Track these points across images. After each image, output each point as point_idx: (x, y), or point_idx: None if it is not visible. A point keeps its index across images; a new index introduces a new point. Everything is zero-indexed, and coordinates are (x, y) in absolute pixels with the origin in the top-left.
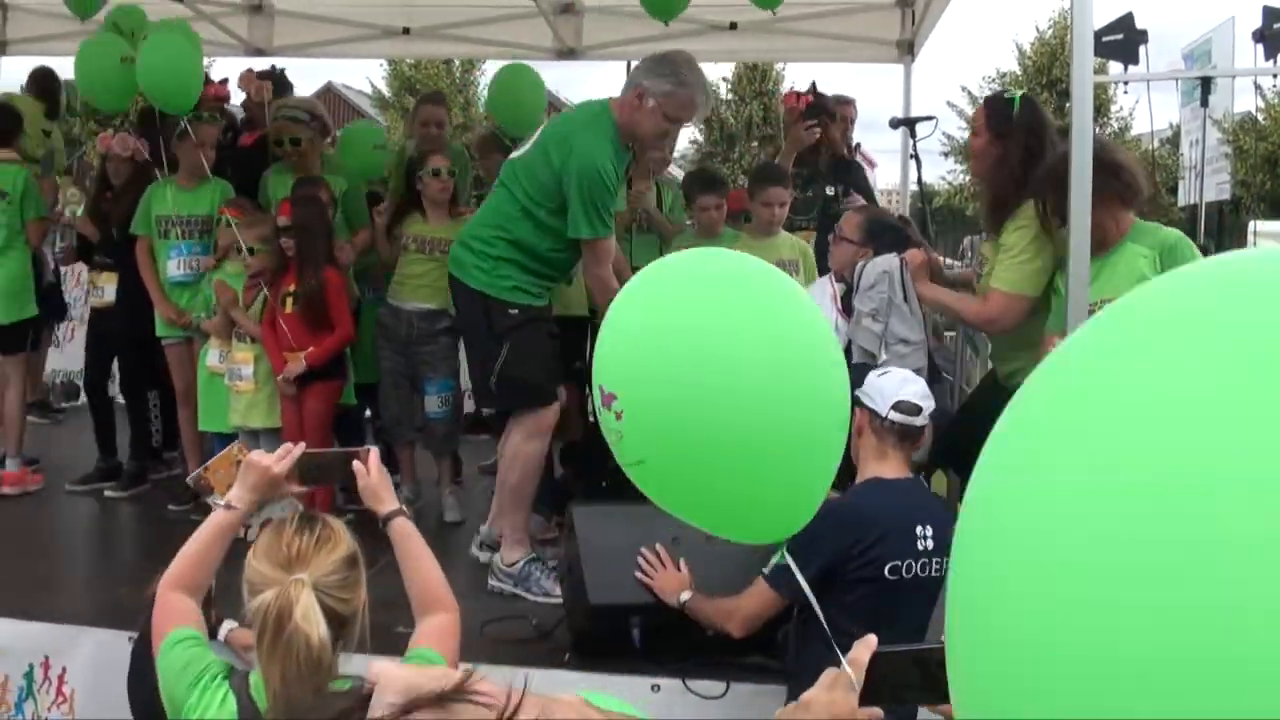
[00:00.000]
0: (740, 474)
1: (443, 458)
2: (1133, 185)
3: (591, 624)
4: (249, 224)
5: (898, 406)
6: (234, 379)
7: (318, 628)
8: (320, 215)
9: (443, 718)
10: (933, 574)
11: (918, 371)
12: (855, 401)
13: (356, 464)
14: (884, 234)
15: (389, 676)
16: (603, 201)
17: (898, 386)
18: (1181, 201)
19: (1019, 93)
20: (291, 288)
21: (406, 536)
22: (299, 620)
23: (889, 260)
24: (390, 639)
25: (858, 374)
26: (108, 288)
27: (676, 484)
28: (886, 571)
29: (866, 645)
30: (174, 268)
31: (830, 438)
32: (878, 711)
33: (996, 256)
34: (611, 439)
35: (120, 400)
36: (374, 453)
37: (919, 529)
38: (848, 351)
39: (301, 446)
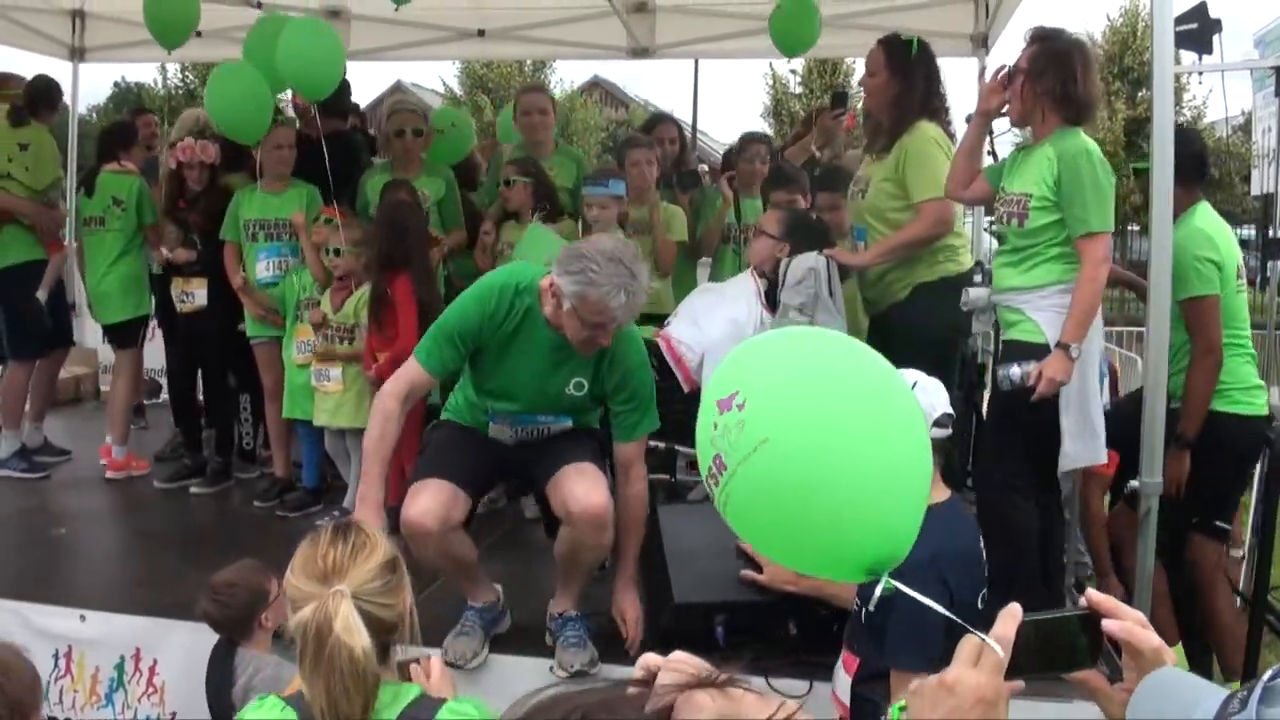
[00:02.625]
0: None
1: None
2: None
3: (676, 622)
4: (345, 226)
5: (940, 422)
6: (322, 380)
7: (360, 639)
8: (406, 218)
9: (725, 704)
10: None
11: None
12: None
13: (415, 670)
14: (803, 231)
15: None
16: None
17: (937, 396)
18: (1255, 190)
19: (914, 37)
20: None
21: None
22: (340, 633)
23: (814, 257)
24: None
25: None
26: (198, 292)
27: (795, 466)
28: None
29: (1012, 617)
30: (262, 269)
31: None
32: (1020, 684)
33: (904, 171)
34: (729, 440)
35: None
36: (436, 660)
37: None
38: None
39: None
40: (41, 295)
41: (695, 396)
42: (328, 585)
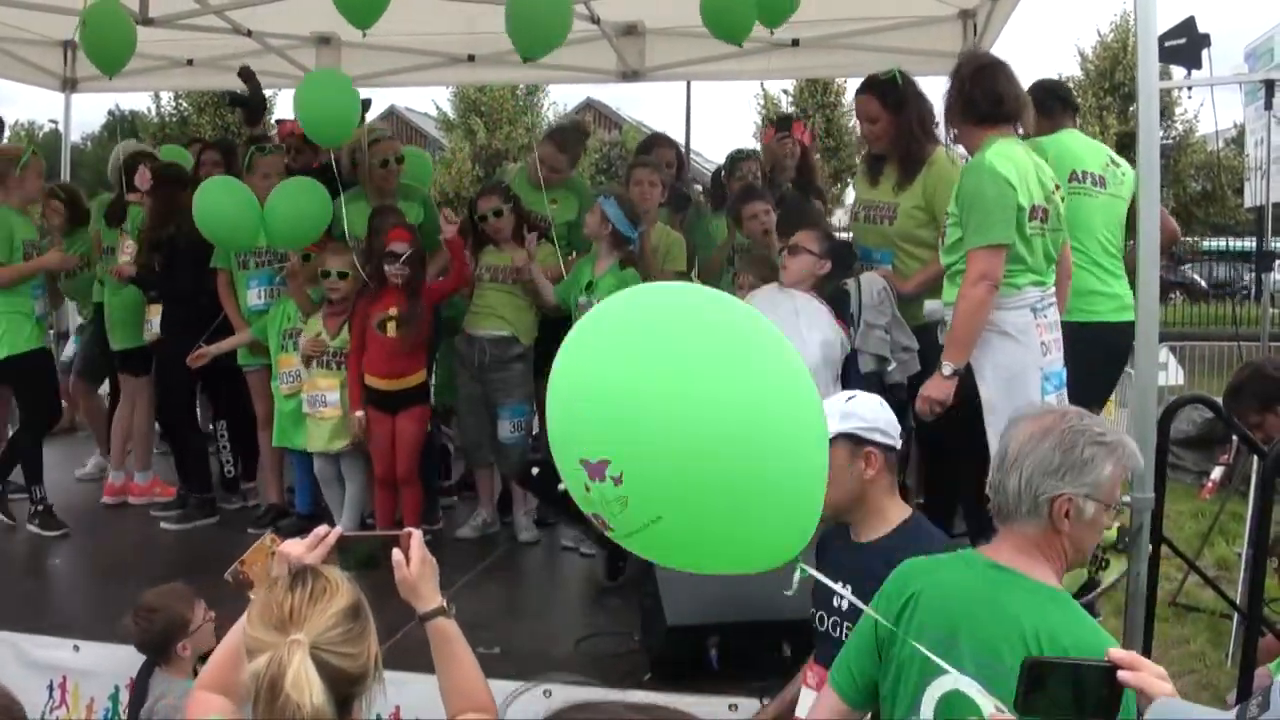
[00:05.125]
0: (742, 510)
1: (517, 480)
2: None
3: (669, 644)
4: (334, 251)
5: (885, 433)
6: (318, 405)
7: (310, 695)
8: (421, 243)
9: None
10: (844, 638)
11: (915, 376)
12: (862, 442)
13: (396, 555)
14: (839, 249)
15: None
16: None
17: (885, 410)
18: (1248, 203)
19: (895, 69)
20: (393, 311)
21: (447, 639)
22: (289, 688)
23: (877, 278)
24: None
25: (869, 382)
26: (154, 320)
27: (690, 535)
28: (816, 619)
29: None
30: (254, 297)
31: (818, 460)
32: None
33: (934, 200)
34: (610, 510)
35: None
36: (416, 538)
37: (839, 583)
38: (848, 363)
39: (337, 532)
40: None
41: None
42: (285, 634)
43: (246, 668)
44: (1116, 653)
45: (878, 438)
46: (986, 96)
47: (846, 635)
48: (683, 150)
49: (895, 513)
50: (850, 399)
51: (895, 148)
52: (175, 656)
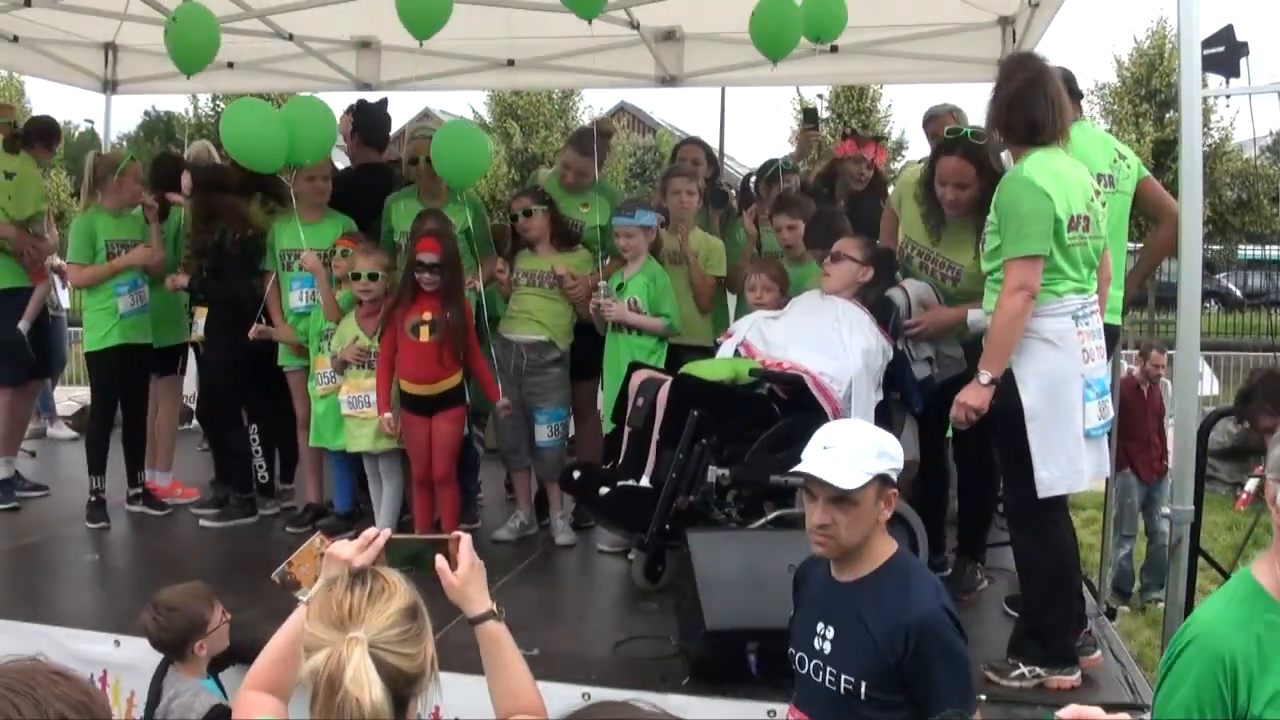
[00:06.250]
0: None
1: (554, 484)
2: None
3: (708, 649)
4: (366, 252)
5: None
6: (359, 406)
7: (369, 691)
8: (457, 249)
9: None
10: (827, 683)
11: (960, 377)
12: (890, 483)
13: (440, 562)
14: (882, 256)
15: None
16: None
17: (898, 444)
18: None
19: (967, 129)
20: (428, 316)
21: (498, 643)
22: (348, 685)
23: (924, 287)
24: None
25: (921, 388)
26: (199, 321)
27: None
28: (795, 661)
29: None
30: (295, 299)
31: None
32: None
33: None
34: None
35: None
36: (465, 542)
37: (820, 625)
38: (902, 368)
39: (386, 534)
40: (24, 326)
41: None
42: (343, 632)
43: (305, 665)
44: (1066, 715)
45: (896, 477)
46: (1024, 122)
47: (830, 680)
48: (713, 150)
49: (882, 548)
50: (880, 435)
51: (979, 213)
52: (191, 656)
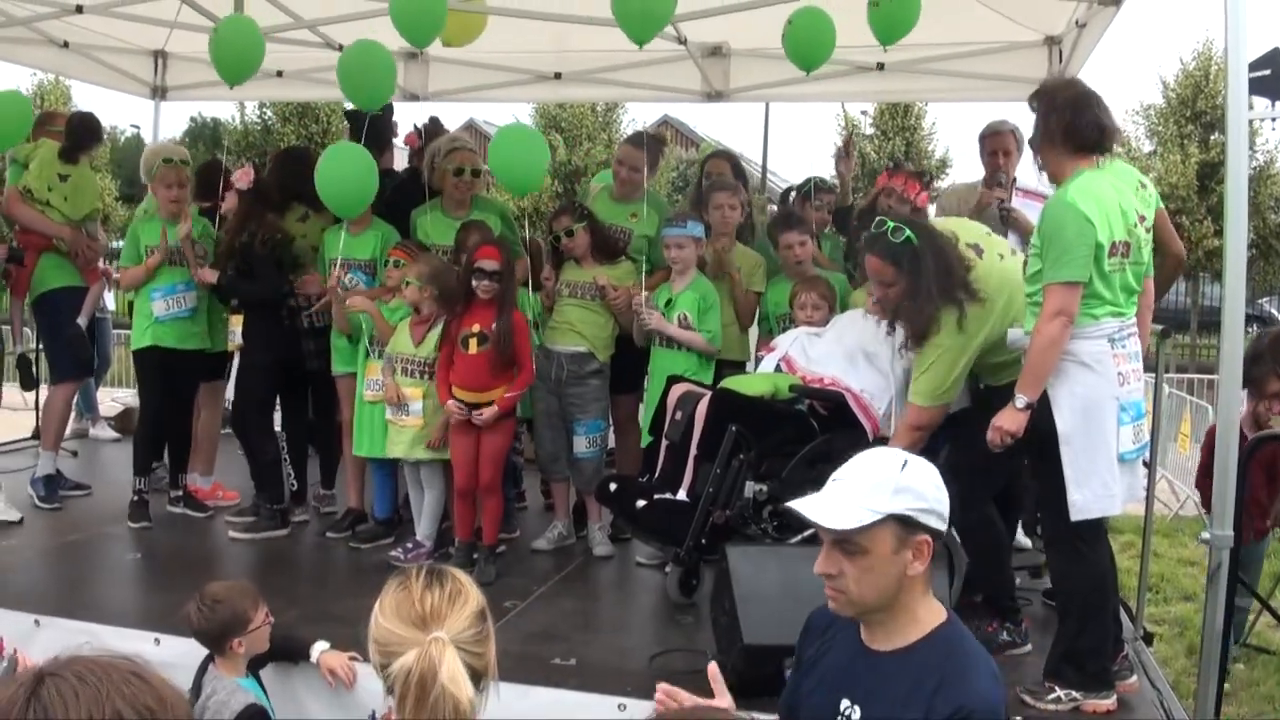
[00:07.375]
0: None
1: (592, 495)
2: None
3: (746, 663)
4: (420, 263)
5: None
6: (400, 414)
7: (466, 689)
8: (513, 257)
9: None
10: None
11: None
12: (915, 527)
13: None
14: None
15: None
16: None
17: (943, 490)
18: None
19: (892, 223)
20: (477, 328)
21: None
22: (445, 683)
23: None
24: (544, 669)
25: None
26: (236, 330)
27: None
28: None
29: None
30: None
31: None
32: None
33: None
34: None
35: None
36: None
37: (845, 703)
38: None
39: None
40: (81, 321)
41: None
42: (425, 631)
43: (384, 663)
44: None
45: (933, 523)
46: (1092, 125)
47: None
48: (752, 165)
49: (928, 614)
50: (905, 465)
51: (906, 314)
52: (229, 651)
